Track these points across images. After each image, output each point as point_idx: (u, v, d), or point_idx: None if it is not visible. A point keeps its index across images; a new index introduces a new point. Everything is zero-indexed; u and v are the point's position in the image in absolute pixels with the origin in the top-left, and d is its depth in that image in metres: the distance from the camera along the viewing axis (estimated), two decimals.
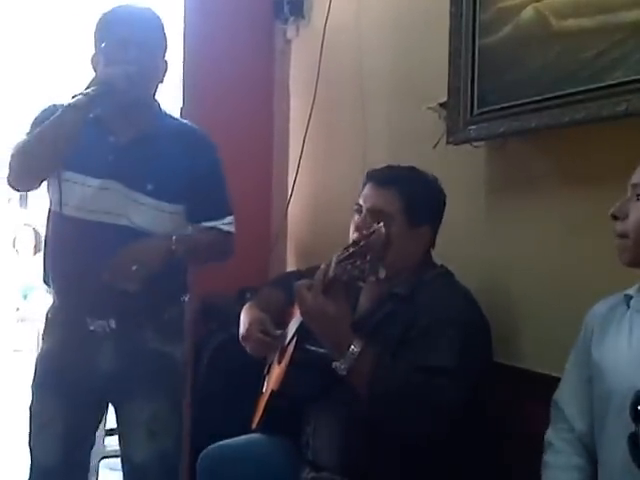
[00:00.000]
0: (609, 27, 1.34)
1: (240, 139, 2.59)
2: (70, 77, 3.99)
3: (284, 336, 1.72)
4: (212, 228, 1.83)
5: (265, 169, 2.80)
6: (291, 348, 1.66)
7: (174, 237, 1.71)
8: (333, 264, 1.39)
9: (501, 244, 1.73)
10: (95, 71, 1.74)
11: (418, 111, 1.91)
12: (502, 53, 1.60)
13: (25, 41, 5.53)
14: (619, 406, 1.13)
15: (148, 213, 1.72)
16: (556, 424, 1.34)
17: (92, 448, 1.87)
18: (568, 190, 1.55)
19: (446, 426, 1.38)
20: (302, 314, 1.48)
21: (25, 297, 5.84)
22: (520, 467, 1.47)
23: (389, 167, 1.67)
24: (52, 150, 1.64)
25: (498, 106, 1.61)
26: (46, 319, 1.83)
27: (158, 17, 1.77)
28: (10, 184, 1.72)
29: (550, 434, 1.34)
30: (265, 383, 1.79)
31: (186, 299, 1.89)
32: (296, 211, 2.71)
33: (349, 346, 1.38)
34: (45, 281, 1.81)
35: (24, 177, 1.72)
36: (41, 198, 1.95)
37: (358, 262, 1.35)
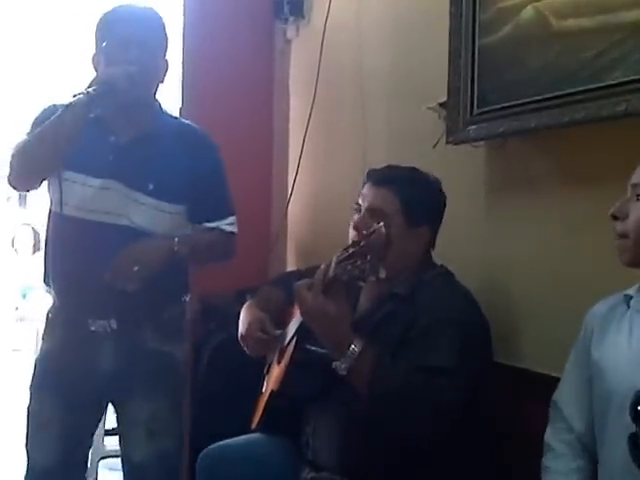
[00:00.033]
0: (609, 27, 1.34)
1: (240, 139, 2.59)
2: (70, 77, 3.99)
3: (284, 336, 1.72)
4: (214, 229, 1.83)
5: (265, 169, 2.80)
6: (291, 348, 1.66)
7: (176, 238, 1.71)
8: (333, 264, 1.39)
9: (501, 244, 1.73)
10: (96, 71, 1.74)
11: (418, 111, 1.91)
12: (502, 53, 1.60)
13: (25, 41, 5.53)
14: (619, 406, 1.13)
15: (148, 213, 1.72)
16: (555, 424, 1.34)
17: (90, 449, 1.87)
18: (568, 190, 1.55)
19: (446, 426, 1.38)
20: (302, 314, 1.48)
21: (24, 296, 5.84)
22: (520, 467, 1.47)
23: (389, 167, 1.67)
24: (52, 150, 1.64)
25: (498, 106, 1.61)
26: (46, 319, 1.83)
27: (159, 16, 1.77)
28: (11, 184, 1.72)
29: (549, 435, 1.34)
30: (265, 383, 1.79)
31: (187, 299, 1.89)
32: (296, 211, 2.71)
33: (349, 346, 1.38)
34: (45, 281, 1.81)
35: (24, 177, 1.72)
36: (40, 197, 1.95)
37: (358, 262, 1.35)
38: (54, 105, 1.72)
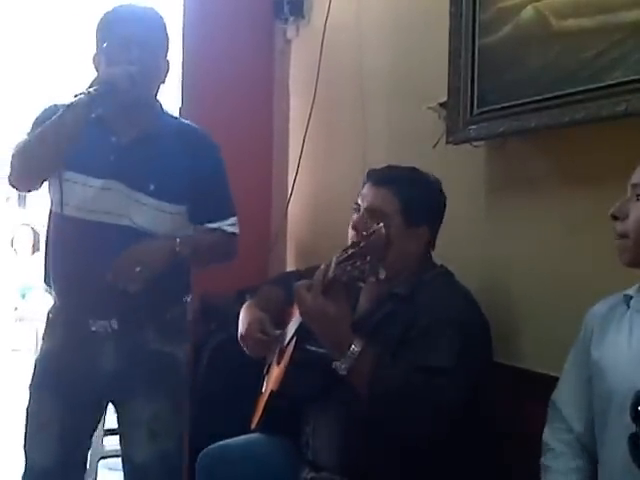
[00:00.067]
0: (609, 27, 1.34)
1: (240, 139, 2.59)
2: (71, 77, 3.98)
3: (283, 336, 1.72)
4: (216, 229, 1.83)
5: (265, 169, 2.80)
6: (290, 348, 1.65)
7: (178, 239, 1.71)
8: (333, 265, 1.39)
9: (501, 244, 1.73)
10: (97, 71, 1.73)
11: (418, 111, 1.91)
12: (502, 53, 1.60)
13: (26, 41, 5.53)
14: (619, 406, 1.13)
15: (149, 213, 1.72)
16: (553, 424, 1.34)
17: (89, 450, 1.86)
18: (568, 190, 1.55)
19: (446, 426, 1.38)
20: (301, 314, 1.48)
21: (23, 296, 5.83)
22: (520, 467, 1.47)
23: (389, 167, 1.67)
24: (53, 150, 1.63)
25: (498, 106, 1.61)
26: (47, 319, 1.83)
27: (160, 16, 1.77)
28: (11, 184, 1.71)
29: (547, 435, 1.34)
30: (265, 383, 1.79)
31: (188, 299, 1.89)
32: (296, 211, 2.71)
33: (349, 346, 1.38)
34: (46, 281, 1.81)
35: (25, 177, 1.72)
36: (39, 197, 1.94)
37: (358, 263, 1.35)
38: (55, 105, 1.72)
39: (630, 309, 1.22)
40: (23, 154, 1.67)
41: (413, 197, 1.58)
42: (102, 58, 1.72)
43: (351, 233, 1.59)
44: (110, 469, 3.00)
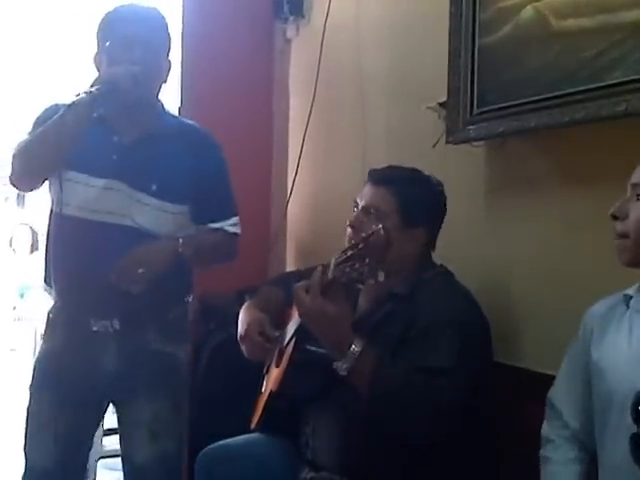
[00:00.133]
0: (609, 27, 1.34)
1: (239, 139, 2.58)
2: (72, 76, 3.98)
3: (283, 337, 1.72)
4: (218, 229, 1.82)
5: (264, 168, 2.80)
6: (290, 349, 1.65)
7: (181, 239, 1.71)
8: (332, 266, 1.39)
9: (501, 244, 1.73)
10: (98, 70, 1.73)
11: (418, 111, 1.91)
12: (502, 53, 1.60)
13: (27, 41, 5.53)
14: (620, 406, 1.13)
15: (152, 213, 1.72)
16: (551, 421, 1.35)
17: (90, 450, 1.86)
18: (568, 190, 1.55)
19: (446, 426, 1.38)
20: (300, 315, 1.48)
21: (22, 296, 5.82)
22: (520, 467, 1.47)
23: (390, 167, 1.66)
24: (55, 150, 1.63)
25: (497, 106, 1.61)
26: (47, 319, 1.82)
27: (162, 16, 1.77)
28: (12, 183, 1.71)
29: (546, 429, 1.35)
30: (264, 383, 1.79)
31: (190, 299, 1.89)
32: (296, 210, 2.71)
33: (350, 346, 1.38)
34: (46, 281, 1.81)
35: (26, 177, 1.72)
36: (38, 197, 1.94)
37: (357, 265, 1.35)
38: (56, 105, 1.71)
39: (630, 309, 1.22)
40: (24, 154, 1.66)
41: (411, 197, 1.58)
42: (104, 58, 1.72)
43: (348, 231, 1.59)
44: (109, 469, 3.00)
